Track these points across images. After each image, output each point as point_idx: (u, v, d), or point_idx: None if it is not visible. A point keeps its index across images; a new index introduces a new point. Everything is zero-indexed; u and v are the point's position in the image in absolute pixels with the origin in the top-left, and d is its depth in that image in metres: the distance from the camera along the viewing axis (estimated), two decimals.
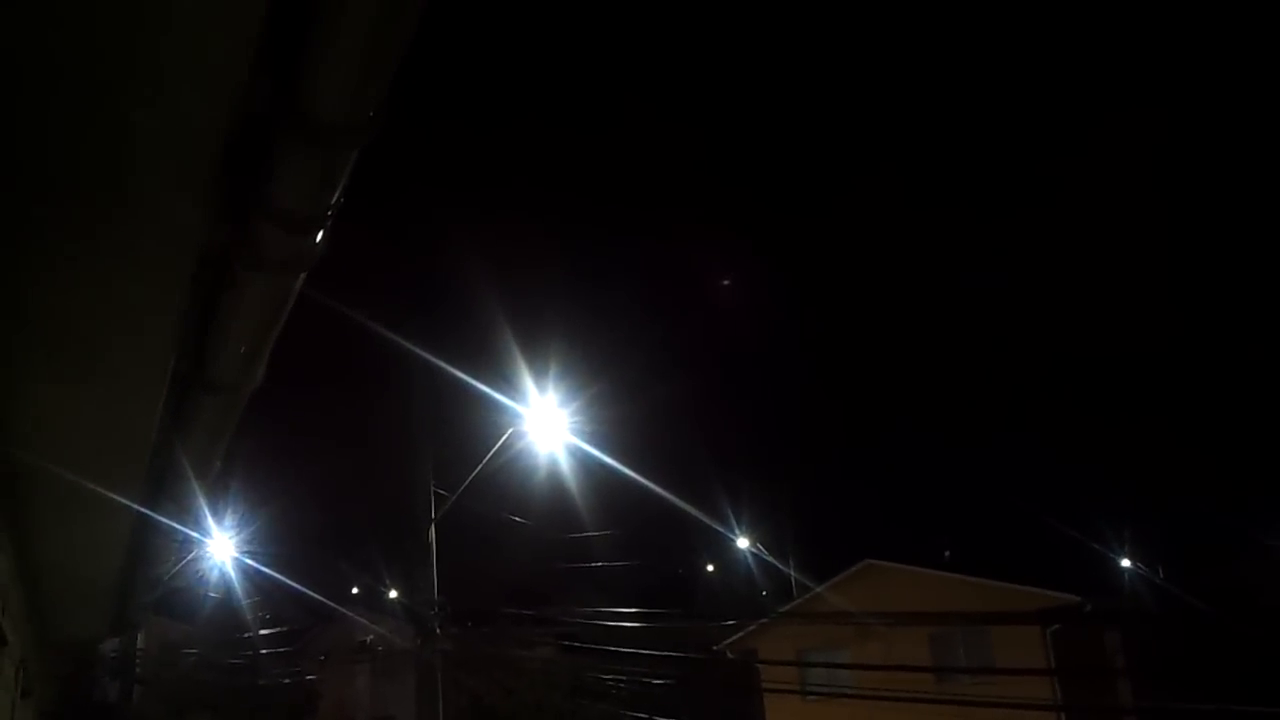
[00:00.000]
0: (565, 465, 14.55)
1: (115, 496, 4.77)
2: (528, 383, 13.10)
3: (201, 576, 19.61)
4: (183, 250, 2.66)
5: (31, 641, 8.08)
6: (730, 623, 28.49)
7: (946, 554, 28.06)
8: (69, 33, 1.92)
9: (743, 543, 36.53)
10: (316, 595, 23.58)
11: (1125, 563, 34.65)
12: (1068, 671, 21.89)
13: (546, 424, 13.55)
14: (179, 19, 1.89)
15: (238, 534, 17.88)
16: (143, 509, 5.10)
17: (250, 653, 28.37)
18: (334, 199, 2.50)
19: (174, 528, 5.91)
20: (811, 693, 23.48)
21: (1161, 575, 33.02)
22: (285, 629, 30.10)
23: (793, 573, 32.84)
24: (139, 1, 1.85)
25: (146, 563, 7.00)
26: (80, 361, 3.36)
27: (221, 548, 17.77)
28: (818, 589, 27.77)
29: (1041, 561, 28.02)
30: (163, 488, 4.94)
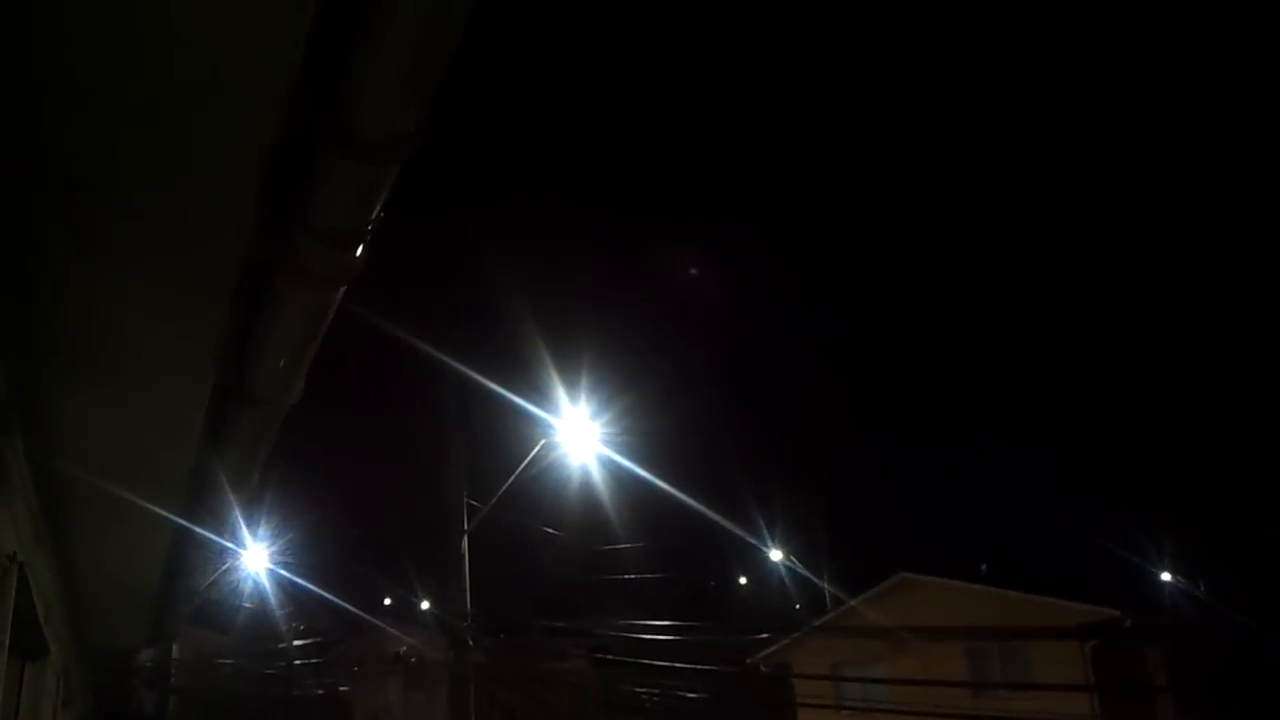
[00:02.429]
0: (597, 476, 14.54)
1: (155, 509, 4.81)
2: (560, 394, 13.11)
3: (237, 587, 19.79)
4: (225, 264, 2.67)
5: (72, 651, 8.17)
6: (764, 636, 28.25)
7: (983, 567, 27.59)
8: (114, 49, 1.94)
9: (776, 555, 36.23)
10: (349, 606, 23.69)
11: (1166, 576, 33.98)
12: (1107, 688, 21.53)
13: (579, 435, 13.55)
14: (223, 35, 1.90)
15: (272, 545, 18.03)
16: (181, 521, 5.14)
17: (284, 663, 28.53)
18: (375, 214, 2.50)
19: (211, 539, 5.96)
20: (846, 707, 23.23)
21: (1204, 589, 32.33)
22: (318, 640, 30.26)
23: (827, 586, 32.49)
24: (184, 19, 1.86)
25: (184, 574, 7.06)
26: (122, 375, 3.39)
27: (256, 559, 17.92)
28: (852, 602, 27.47)
29: (1080, 575, 27.53)
30: (201, 500, 4.97)
